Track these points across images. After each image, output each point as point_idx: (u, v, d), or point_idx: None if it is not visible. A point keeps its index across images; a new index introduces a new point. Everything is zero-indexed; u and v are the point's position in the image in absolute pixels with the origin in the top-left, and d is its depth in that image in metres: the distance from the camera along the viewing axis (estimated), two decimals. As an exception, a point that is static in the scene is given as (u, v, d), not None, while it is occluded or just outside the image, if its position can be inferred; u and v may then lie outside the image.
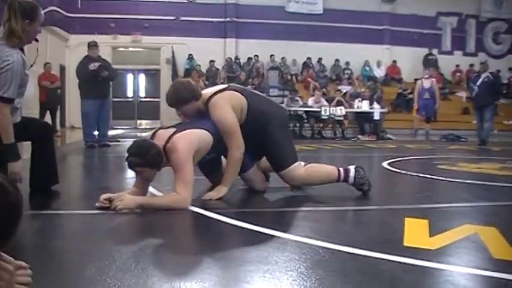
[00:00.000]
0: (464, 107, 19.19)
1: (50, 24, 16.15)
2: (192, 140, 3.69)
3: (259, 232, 2.93)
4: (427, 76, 14.51)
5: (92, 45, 9.71)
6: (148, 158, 3.50)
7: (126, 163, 3.56)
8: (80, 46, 16.55)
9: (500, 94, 15.50)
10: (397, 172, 6.26)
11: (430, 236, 2.85)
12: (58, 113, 14.35)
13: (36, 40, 3.74)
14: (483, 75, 12.43)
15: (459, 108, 19.29)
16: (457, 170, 6.47)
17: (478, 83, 12.32)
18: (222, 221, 3.22)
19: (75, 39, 18.61)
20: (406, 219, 3.20)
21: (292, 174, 4.12)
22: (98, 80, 9.33)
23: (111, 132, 11.70)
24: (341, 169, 4.14)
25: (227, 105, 4.02)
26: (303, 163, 4.22)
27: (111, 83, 10.03)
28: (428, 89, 14.14)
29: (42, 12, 3.71)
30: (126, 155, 3.54)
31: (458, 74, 21.73)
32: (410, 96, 17.46)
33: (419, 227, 3.05)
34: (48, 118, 12.85)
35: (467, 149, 11.08)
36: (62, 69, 17.47)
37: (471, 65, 21.32)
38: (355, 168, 4.14)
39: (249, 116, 4.11)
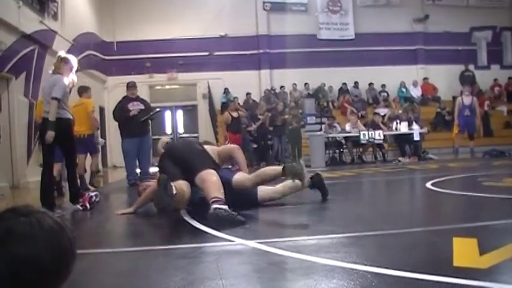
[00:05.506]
0: (505, 121, 18.77)
1: (88, 68, 16.64)
2: None
3: (305, 260, 2.91)
4: (467, 93, 14.34)
5: (131, 86, 9.92)
6: None
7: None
8: (117, 87, 17.00)
9: None
10: (441, 192, 6.15)
11: (480, 255, 2.79)
12: (100, 154, 14.59)
13: None
14: None
15: (500, 123, 18.84)
16: (503, 186, 6.32)
17: None
18: (266, 251, 3.22)
19: (112, 80, 19.11)
20: (454, 239, 3.14)
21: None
22: (136, 119, 9.50)
23: (153, 169, 11.85)
24: None
25: None
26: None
27: (150, 121, 10.17)
28: (468, 106, 13.95)
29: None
30: None
31: (497, 88, 21.27)
32: (449, 115, 17.33)
33: (468, 246, 2.99)
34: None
35: (513, 164, 10.80)
36: (101, 110, 17.90)
37: (510, 78, 20.89)
38: None
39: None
